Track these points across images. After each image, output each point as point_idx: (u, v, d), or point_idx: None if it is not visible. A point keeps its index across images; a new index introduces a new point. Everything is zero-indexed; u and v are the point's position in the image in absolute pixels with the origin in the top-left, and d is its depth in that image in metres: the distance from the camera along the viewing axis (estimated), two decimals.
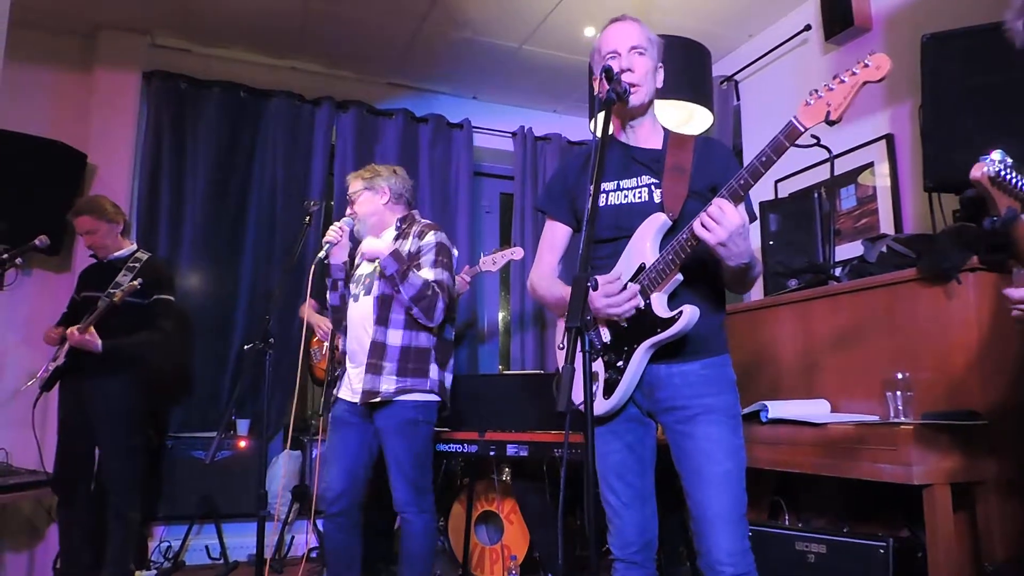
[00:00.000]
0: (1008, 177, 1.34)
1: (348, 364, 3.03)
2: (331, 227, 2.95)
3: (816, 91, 1.69)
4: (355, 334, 3.00)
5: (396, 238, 3.07)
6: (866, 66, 1.63)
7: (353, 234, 3.05)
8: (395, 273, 2.84)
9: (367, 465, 2.99)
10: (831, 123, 1.68)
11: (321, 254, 2.94)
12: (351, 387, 2.98)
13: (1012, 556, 2.23)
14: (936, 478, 2.17)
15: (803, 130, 1.70)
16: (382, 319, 2.92)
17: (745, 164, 1.75)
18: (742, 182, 1.73)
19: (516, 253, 4.06)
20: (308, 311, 4.08)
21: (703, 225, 1.72)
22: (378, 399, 2.86)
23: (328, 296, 3.11)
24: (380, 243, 2.93)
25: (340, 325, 3.11)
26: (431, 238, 3.03)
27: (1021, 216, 1.38)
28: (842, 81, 1.66)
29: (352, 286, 3.07)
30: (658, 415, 1.97)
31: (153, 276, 3.56)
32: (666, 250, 1.85)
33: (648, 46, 2.01)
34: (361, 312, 2.98)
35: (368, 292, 2.98)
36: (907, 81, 3.21)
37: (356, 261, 3.14)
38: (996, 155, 1.34)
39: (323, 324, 4.08)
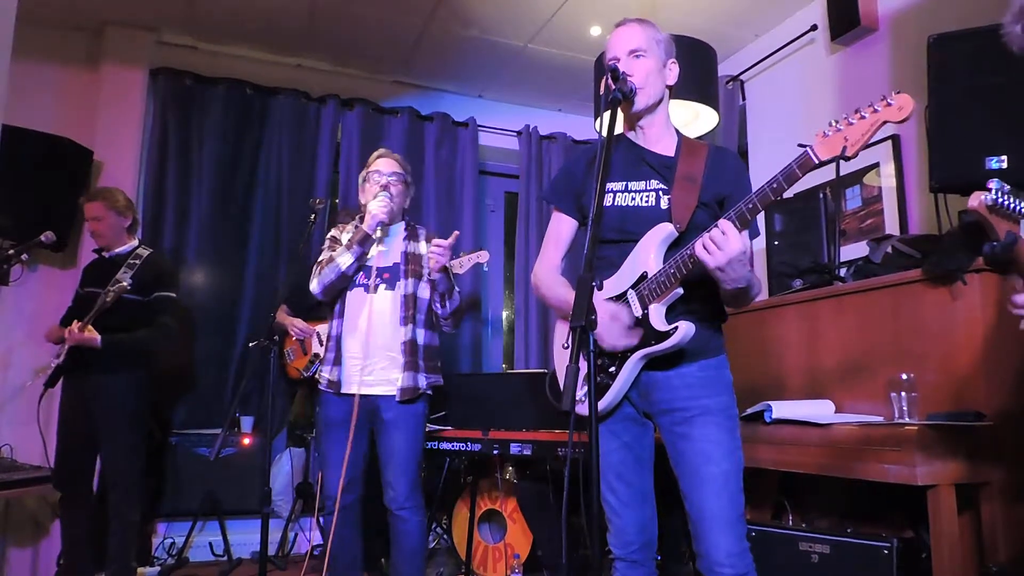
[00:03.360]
0: (1005, 203, 1.38)
1: (349, 355, 2.93)
2: (379, 202, 2.90)
3: (835, 123, 1.66)
4: (367, 325, 2.90)
5: (405, 239, 3.06)
6: (888, 105, 1.59)
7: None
8: (446, 291, 2.94)
9: (365, 459, 2.98)
10: (846, 159, 1.66)
11: (378, 234, 2.92)
12: (358, 378, 2.89)
13: (1016, 557, 2.23)
14: (941, 479, 2.17)
15: (817, 162, 1.69)
16: (410, 318, 2.95)
17: (750, 167, 1.74)
18: (751, 206, 1.72)
19: (481, 256, 4.10)
20: (281, 314, 4.11)
21: (704, 247, 1.71)
22: (419, 394, 2.92)
23: (347, 264, 2.94)
24: (444, 256, 2.87)
25: (334, 295, 3.00)
26: None
27: (1021, 239, 1.41)
28: (863, 117, 1.62)
29: (361, 275, 2.98)
30: (655, 416, 1.97)
31: (153, 273, 3.55)
32: (668, 264, 1.84)
33: (649, 47, 2.00)
34: (381, 306, 2.93)
35: (391, 287, 2.95)
36: (913, 82, 3.20)
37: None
38: (994, 184, 1.38)
39: (297, 323, 4.09)
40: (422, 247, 3.04)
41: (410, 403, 2.91)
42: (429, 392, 3.00)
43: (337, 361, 2.96)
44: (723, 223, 1.71)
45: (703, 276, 1.82)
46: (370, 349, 2.91)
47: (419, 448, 2.96)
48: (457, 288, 3.04)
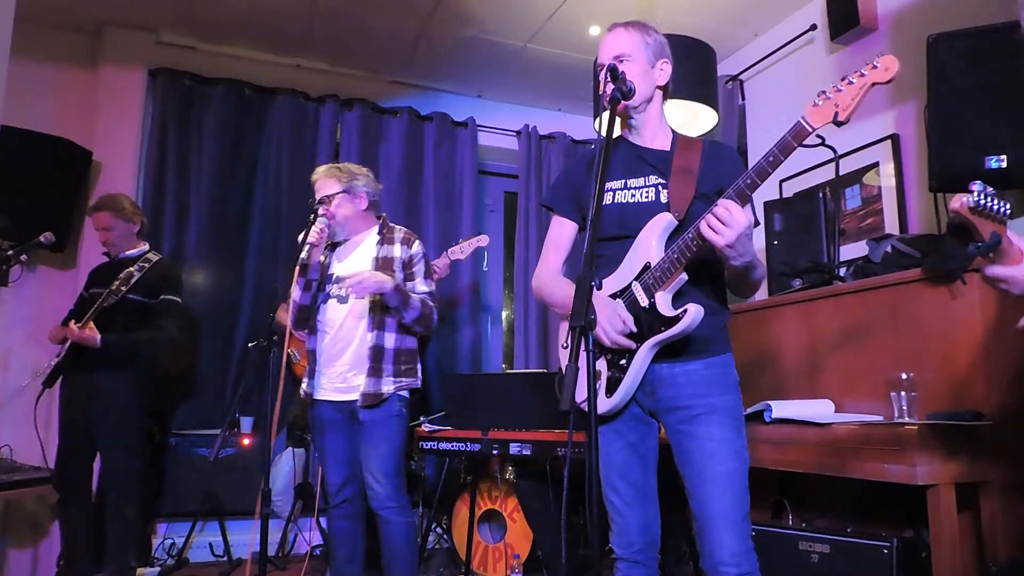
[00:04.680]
0: (988, 205, 1.39)
1: (325, 364, 3.01)
2: (312, 228, 2.92)
3: (824, 92, 1.69)
4: (340, 334, 2.99)
5: (379, 243, 3.09)
6: (874, 67, 1.64)
7: (328, 235, 3.06)
8: (399, 305, 2.91)
9: (358, 456, 3.01)
10: (839, 124, 1.69)
11: (303, 255, 2.90)
12: (332, 387, 2.99)
13: (1015, 556, 2.23)
14: (940, 478, 2.17)
15: (811, 130, 1.71)
16: (379, 323, 2.97)
17: (751, 164, 1.75)
18: (748, 182, 1.74)
19: (482, 240, 4.11)
20: (281, 313, 4.10)
21: (711, 227, 1.72)
22: (381, 399, 2.91)
23: (298, 295, 3.01)
24: (383, 277, 2.88)
25: (306, 324, 3.08)
26: (418, 248, 3.10)
27: (1005, 239, 1.43)
28: (850, 82, 1.66)
29: (334, 287, 3.05)
30: (660, 415, 1.97)
31: (161, 277, 3.58)
32: (671, 249, 1.85)
33: (635, 50, 2.01)
34: (351, 314, 2.99)
35: (360, 296, 2.98)
36: (913, 81, 3.20)
37: (326, 260, 3.11)
38: (976, 186, 1.40)
39: None
40: (396, 250, 3.06)
41: (376, 407, 2.92)
42: (402, 393, 3.00)
43: (311, 374, 3.05)
44: (725, 201, 1.72)
45: (707, 262, 1.84)
46: (343, 357, 2.99)
47: (398, 448, 2.98)
48: (427, 291, 3.03)
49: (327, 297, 3.05)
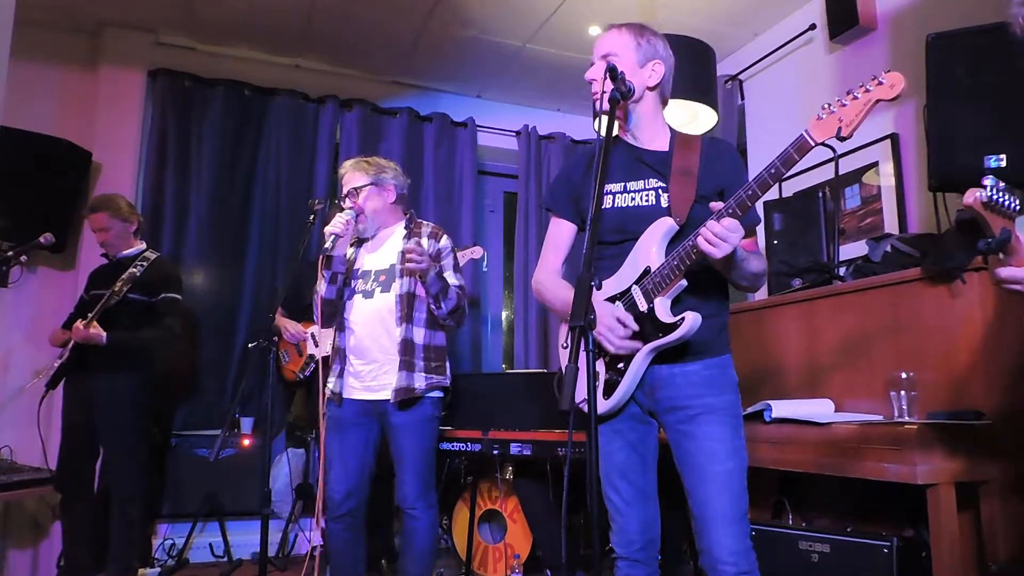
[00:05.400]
0: (1000, 200, 1.39)
1: (353, 361, 2.96)
2: (336, 219, 2.88)
3: (828, 106, 1.69)
4: (367, 331, 2.94)
5: (406, 237, 3.04)
6: (880, 83, 1.63)
7: (357, 229, 3.01)
8: (439, 292, 2.88)
9: (371, 464, 2.97)
10: (842, 139, 1.69)
11: (327, 245, 2.84)
12: (363, 385, 2.93)
13: (1016, 556, 2.23)
14: (940, 478, 2.17)
15: (813, 144, 1.71)
16: (407, 317, 2.92)
17: (749, 167, 1.75)
18: (750, 193, 1.73)
19: (475, 252, 4.10)
20: (277, 315, 4.10)
21: (709, 243, 1.72)
22: (412, 396, 2.87)
23: (324, 289, 2.95)
24: (429, 260, 2.85)
25: (332, 320, 3.02)
26: (446, 241, 3.07)
27: (1015, 235, 1.43)
28: (855, 97, 1.65)
29: (359, 282, 3.01)
30: (660, 415, 1.97)
31: (160, 275, 3.58)
32: (671, 256, 1.85)
33: (623, 50, 2.00)
34: (378, 308, 2.94)
35: (386, 289, 2.96)
36: (912, 81, 3.20)
37: (352, 256, 3.08)
38: (988, 181, 1.40)
39: (289, 327, 4.09)
40: (424, 243, 3.01)
41: (412, 405, 2.88)
42: (435, 394, 2.96)
43: (341, 373, 2.98)
44: (725, 221, 1.72)
45: (707, 267, 1.85)
46: (371, 354, 2.93)
47: (430, 449, 2.95)
48: (457, 284, 3.00)
49: (352, 293, 3.00)
